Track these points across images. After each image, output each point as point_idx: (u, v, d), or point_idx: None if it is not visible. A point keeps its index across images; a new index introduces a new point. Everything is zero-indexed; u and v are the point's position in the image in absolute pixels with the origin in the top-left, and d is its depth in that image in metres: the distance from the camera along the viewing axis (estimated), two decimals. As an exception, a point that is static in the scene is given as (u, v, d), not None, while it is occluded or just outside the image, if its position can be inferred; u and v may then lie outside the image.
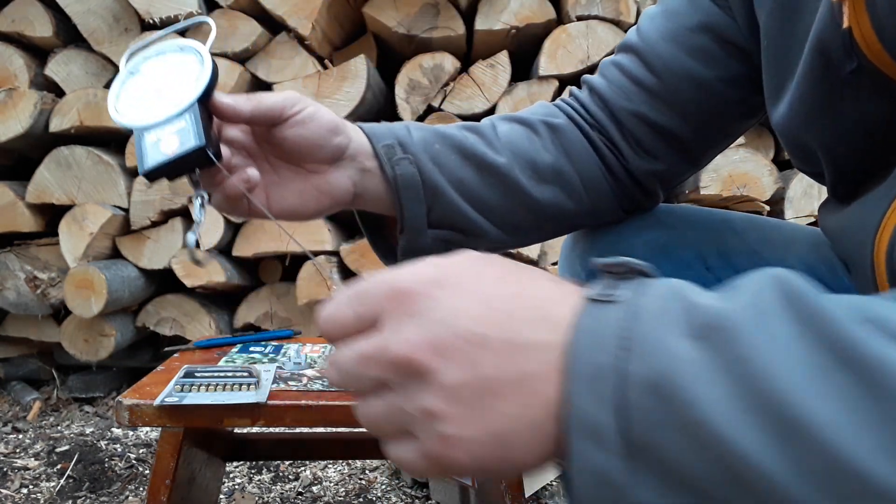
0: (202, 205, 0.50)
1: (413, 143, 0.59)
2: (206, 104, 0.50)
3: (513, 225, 0.64)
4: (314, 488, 1.35)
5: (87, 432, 1.58)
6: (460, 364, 0.27)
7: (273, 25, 1.64)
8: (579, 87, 0.70)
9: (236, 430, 1.10)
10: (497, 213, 0.63)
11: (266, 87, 1.66)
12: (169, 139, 0.47)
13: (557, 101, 0.70)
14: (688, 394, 0.25)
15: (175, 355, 0.91)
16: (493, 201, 0.62)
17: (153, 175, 0.48)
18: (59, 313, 1.74)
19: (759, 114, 0.64)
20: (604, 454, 0.26)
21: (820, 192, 1.65)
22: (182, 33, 0.58)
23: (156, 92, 0.51)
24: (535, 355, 0.28)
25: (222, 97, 0.52)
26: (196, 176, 0.49)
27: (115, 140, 1.72)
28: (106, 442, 1.51)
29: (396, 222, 0.61)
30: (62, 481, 1.33)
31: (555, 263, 1.64)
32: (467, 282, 0.29)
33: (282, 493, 1.33)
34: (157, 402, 0.70)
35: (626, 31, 1.65)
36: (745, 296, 0.27)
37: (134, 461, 1.43)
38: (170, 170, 0.48)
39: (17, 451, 1.48)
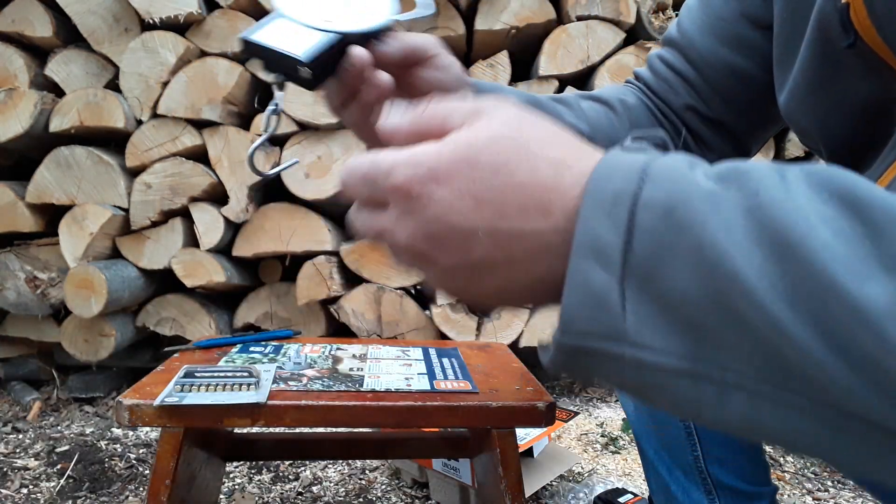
0: (275, 112, 0.51)
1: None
2: (359, 40, 0.49)
3: None
4: (314, 488, 1.35)
5: (87, 432, 1.58)
6: (453, 253, 0.31)
7: (273, 25, 1.64)
8: (578, 87, 0.71)
9: (236, 430, 1.09)
10: None
11: (266, 87, 1.66)
12: (288, 36, 0.48)
13: (626, 83, 0.72)
14: (698, 217, 0.25)
15: (175, 355, 0.91)
16: None
17: (248, 48, 0.48)
18: (59, 313, 1.74)
19: None
20: (603, 272, 0.26)
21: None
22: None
23: None
24: (524, 242, 0.29)
25: (360, 53, 0.49)
26: (280, 80, 0.49)
27: (115, 140, 1.72)
28: (106, 442, 1.51)
29: None
30: (62, 481, 1.33)
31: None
32: (461, 175, 0.30)
33: (282, 493, 1.33)
34: (157, 402, 0.69)
35: (626, 31, 1.66)
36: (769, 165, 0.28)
37: (134, 461, 1.43)
38: (267, 56, 0.48)
39: (17, 451, 1.48)
